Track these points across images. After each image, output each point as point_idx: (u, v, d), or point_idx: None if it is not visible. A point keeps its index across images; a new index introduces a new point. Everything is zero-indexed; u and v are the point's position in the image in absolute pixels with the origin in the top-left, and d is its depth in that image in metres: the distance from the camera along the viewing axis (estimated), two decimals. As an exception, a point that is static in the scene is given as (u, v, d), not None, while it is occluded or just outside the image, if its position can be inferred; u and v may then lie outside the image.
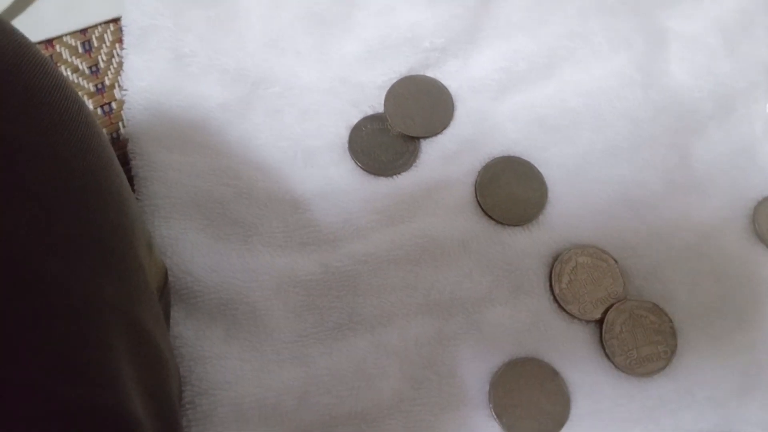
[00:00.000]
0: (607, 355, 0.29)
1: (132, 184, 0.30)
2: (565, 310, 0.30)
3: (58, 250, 0.17)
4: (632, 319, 0.30)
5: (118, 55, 0.35)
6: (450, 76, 0.35)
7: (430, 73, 0.35)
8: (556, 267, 0.30)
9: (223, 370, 0.27)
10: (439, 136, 0.33)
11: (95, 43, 0.35)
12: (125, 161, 0.31)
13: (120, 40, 0.35)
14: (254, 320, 0.28)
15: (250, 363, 0.28)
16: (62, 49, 0.35)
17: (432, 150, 0.33)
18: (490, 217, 0.31)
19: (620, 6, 0.36)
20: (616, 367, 0.29)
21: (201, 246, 0.29)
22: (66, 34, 0.35)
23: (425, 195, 0.32)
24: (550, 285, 0.30)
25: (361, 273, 0.30)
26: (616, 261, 0.31)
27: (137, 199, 0.30)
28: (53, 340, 0.16)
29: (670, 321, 0.30)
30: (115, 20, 0.35)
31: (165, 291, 0.26)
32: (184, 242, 0.29)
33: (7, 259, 0.15)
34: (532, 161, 0.33)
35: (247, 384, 0.27)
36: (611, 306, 0.30)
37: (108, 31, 0.35)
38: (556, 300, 0.30)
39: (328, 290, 0.29)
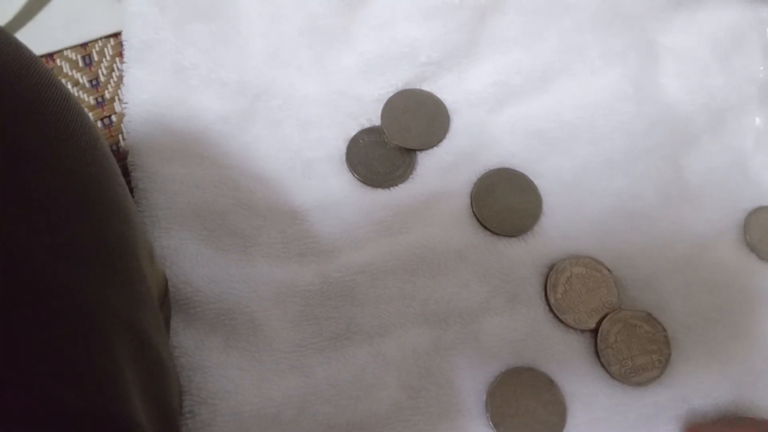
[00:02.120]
0: (602, 365, 0.30)
1: (132, 196, 0.31)
2: (560, 320, 0.30)
3: (62, 255, 0.17)
4: (627, 328, 0.30)
5: (118, 68, 0.35)
6: (446, 89, 0.35)
7: (426, 87, 0.35)
8: (551, 277, 0.31)
9: (222, 380, 0.27)
10: (436, 149, 0.34)
11: (95, 57, 0.35)
12: (125, 173, 0.31)
13: (120, 54, 0.35)
14: (253, 330, 0.29)
15: (249, 373, 0.28)
16: (63, 62, 0.35)
17: (428, 162, 0.33)
18: (486, 228, 0.32)
19: (614, 21, 0.37)
20: (611, 376, 0.30)
21: (201, 256, 0.29)
22: (66, 49, 0.35)
23: (422, 206, 0.32)
24: (546, 295, 0.31)
25: (359, 283, 0.30)
26: (610, 271, 0.31)
27: (138, 210, 0.30)
28: (56, 343, 0.16)
29: (664, 330, 0.30)
30: (116, 35, 0.36)
31: (165, 300, 0.26)
32: (184, 253, 0.29)
33: (12, 263, 0.15)
34: (528, 173, 0.33)
35: (246, 393, 0.27)
36: (606, 316, 0.30)
37: (108, 45, 0.36)
38: (551, 310, 0.30)
39: (327, 300, 0.30)
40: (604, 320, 0.30)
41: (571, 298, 0.30)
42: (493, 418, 0.28)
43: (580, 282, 0.31)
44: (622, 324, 0.30)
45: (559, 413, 0.29)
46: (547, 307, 0.31)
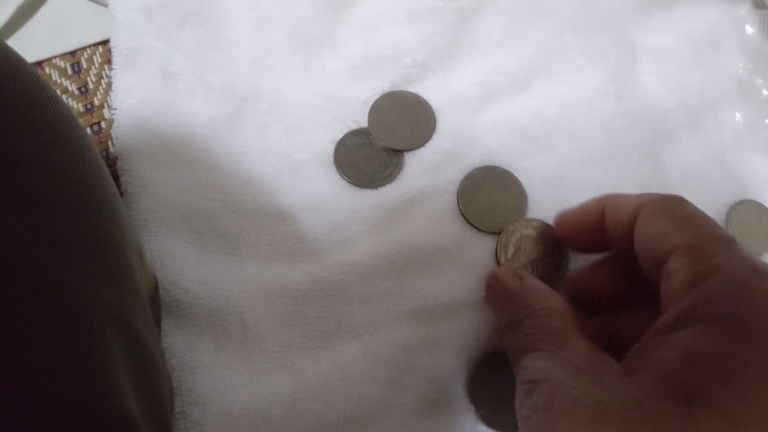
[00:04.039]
0: None
1: (122, 200, 0.31)
2: None
3: (56, 253, 0.17)
4: None
5: (106, 75, 0.35)
6: (431, 90, 0.36)
7: (411, 89, 0.36)
8: (501, 238, 0.31)
9: (212, 380, 0.28)
10: (422, 149, 0.34)
11: (84, 65, 0.36)
12: (114, 178, 0.32)
13: (108, 61, 0.35)
14: (243, 330, 0.29)
15: (239, 372, 0.28)
16: (51, 70, 0.35)
17: (415, 162, 0.34)
18: (473, 226, 0.32)
19: (594, 22, 0.38)
20: None
21: (190, 259, 0.30)
22: (55, 57, 0.36)
23: (409, 205, 0.32)
24: (496, 256, 0.31)
25: (347, 282, 0.30)
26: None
27: (127, 213, 0.30)
28: (53, 341, 0.16)
29: None
30: (104, 42, 0.36)
31: (156, 300, 0.26)
32: (173, 255, 0.30)
33: (9, 262, 0.16)
34: (512, 170, 0.34)
35: (236, 393, 0.27)
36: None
37: (97, 52, 0.36)
38: None
39: (316, 300, 0.30)
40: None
41: (521, 260, 0.31)
42: (474, 402, 0.29)
43: (530, 243, 0.31)
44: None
45: None
46: None
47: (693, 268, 0.22)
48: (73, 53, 0.36)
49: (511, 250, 0.31)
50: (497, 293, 0.28)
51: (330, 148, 0.34)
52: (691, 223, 0.23)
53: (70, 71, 0.35)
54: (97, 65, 0.36)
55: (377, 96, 0.35)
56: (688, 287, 0.21)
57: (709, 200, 0.34)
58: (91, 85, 0.35)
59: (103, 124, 0.34)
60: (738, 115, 0.36)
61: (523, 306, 0.26)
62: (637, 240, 0.25)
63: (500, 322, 0.28)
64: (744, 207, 0.34)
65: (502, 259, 0.31)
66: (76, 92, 0.35)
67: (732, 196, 0.35)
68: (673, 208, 0.24)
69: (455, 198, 0.33)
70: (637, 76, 0.37)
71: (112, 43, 0.35)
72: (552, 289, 0.27)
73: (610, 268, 0.29)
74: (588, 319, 0.27)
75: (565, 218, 0.30)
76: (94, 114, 0.35)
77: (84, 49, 0.36)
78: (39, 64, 0.35)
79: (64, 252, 0.17)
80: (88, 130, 0.34)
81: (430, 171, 0.33)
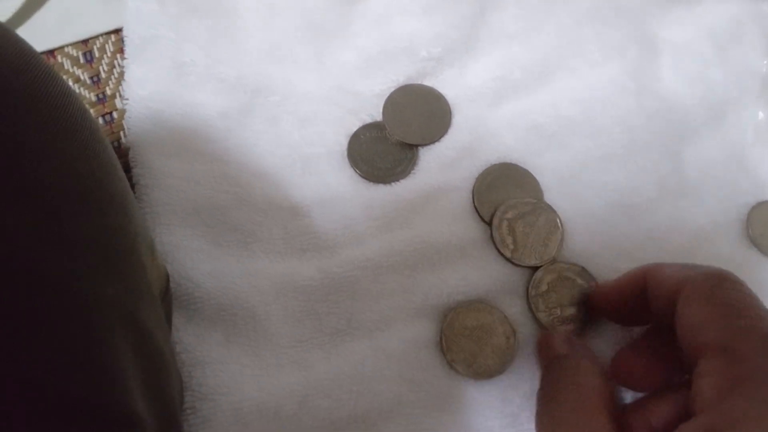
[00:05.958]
0: (530, 309, 0.30)
1: (134, 192, 0.31)
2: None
3: (61, 249, 0.17)
4: (561, 280, 0.30)
5: (119, 65, 0.35)
6: (447, 84, 0.35)
7: (427, 82, 0.35)
8: (495, 236, 0.31)
9: (223, 375, 0.27)
10: (437, 144, 0.34)
11: (96, 54, 0.35)
12: (126, 170, 0.31)
13: (121, 51, 0.35)
14: (254, 325, 0.29)
15: (249, 368, 0.28)
16: (64, 59, 0.35)
17: (430, 157, 0.33)
18: (487, 223, 0.32)
19: (613, 15, 0.37)
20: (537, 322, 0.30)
21: (201, 252, 0.30)
22: (67, 45, 0.35)
23: (423, 201, 0.32)
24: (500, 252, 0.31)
25: (359, 278, 0.30)
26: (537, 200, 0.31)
27: (139, 205, 0.30)
28: (58, 338, 0.16)
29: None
30: (116, 31, 0.36)
31: (167, 295, 0.26)
32: (185, 249, 0.29)
33: (13, 258, 0.16)
34: (528, 167, 0.33)
35: (247, 389, 0.27)
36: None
37: (109, 41, 0.36)
38: (510, 260, 0.31)
39: (327, 295, 0.30)
40: (538, 269, 0.31)
41: (523, 242, 0.31)
42: (446, 347, 0.29)
43: (521, 223, 0.31)
44: (556, 275, 0.30)
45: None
46: None
47: (722, 375, 0.20)
48: (85, 42, 0.36)
49: (509, 240, 0.31)
50: (545, 352, 0.28)
51: (343, 142, 0.33)
52: (729, 315, 0.21)
53: (82, 60, 0.35)
54: (109, 54, 0.35)
55: (392, 89, 0.35)
56: (716, 397, 0.20)
57: (730, 201, 0.34)
58: (103, 75, 0.35)
59: (115, 115, 0.34)
60: (761, 114, 0.36)
61: (564, 374, 0.26)
62: (677, 324, 0.23)
63: (541, 375, 0.28)
64: (766, 208, 0.33)
65: (508, 254, 0.31)
66: (88, 81, 0.35)
67: (753, 197, 0.34)
68: (715, 293, 0.22)
69: (470, 194, 0.32)
70: (657, 72, 0.36)
71: (124, 33, 0.34)
72: (596, 364, 0.26)
73: (650, 344, 0.27)
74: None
75: (604, 291, 0.29)
76: (106, 104, 0.34)
77: (96, 37, 0.36)
78: (51, 52, 0.35)
79: (69, 248, 0.17)
80: (100, 120, 0.34)
81: (445, 166, 0.33)
